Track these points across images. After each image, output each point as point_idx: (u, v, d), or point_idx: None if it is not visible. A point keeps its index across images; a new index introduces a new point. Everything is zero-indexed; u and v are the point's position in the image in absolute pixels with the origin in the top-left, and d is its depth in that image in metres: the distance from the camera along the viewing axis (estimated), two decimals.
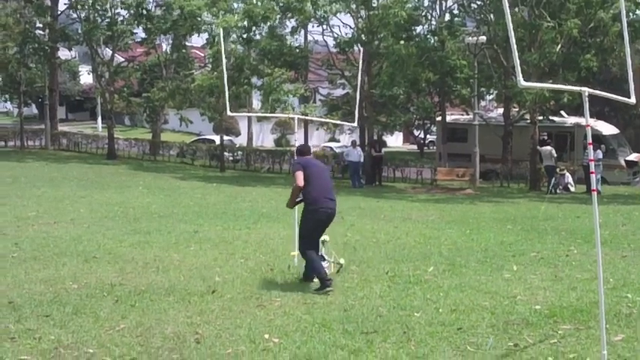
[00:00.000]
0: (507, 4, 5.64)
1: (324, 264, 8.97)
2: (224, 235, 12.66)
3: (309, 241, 8.72)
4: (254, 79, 33.78)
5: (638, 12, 27.31)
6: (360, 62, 15.29)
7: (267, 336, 6.41)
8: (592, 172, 6.13)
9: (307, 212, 8.76)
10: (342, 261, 9.43)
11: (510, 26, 5.52)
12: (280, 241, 11.81)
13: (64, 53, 45.77)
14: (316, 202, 8.68)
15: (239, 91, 32.52)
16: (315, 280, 8.52)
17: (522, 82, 5.52)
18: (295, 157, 9.35)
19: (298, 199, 8.90)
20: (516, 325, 6.82)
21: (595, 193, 6.02)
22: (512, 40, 5.65)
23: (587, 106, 5.82)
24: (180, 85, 36.00)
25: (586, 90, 5.80)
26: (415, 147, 53.30)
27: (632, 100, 6.30)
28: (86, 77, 60.83)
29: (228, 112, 12.34)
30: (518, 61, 5.47)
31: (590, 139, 6.04)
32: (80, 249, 10.91)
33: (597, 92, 6.18)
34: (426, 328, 6.72)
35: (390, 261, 10.34)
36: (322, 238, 9.28)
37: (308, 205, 8.74)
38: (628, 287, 8.49)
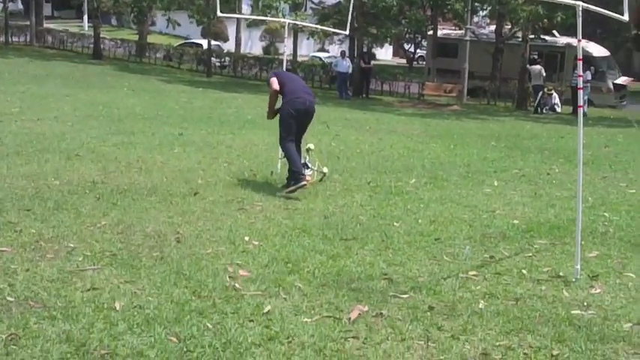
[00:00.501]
0: None
1: (308, 171, 9.00)
2: (208, 139, 12.63)
3: (287, 133, 8.73)
4: None
5: None
6: None
7: (247, 238, 6.46)
8: (579, 89, 6.09)
9: (284, 105, 8.76)
10: (325, 170, 9.45)
11: None
12: (264, 148, 11.80)
13: None
14: (292, 94, 8.70)
15: None
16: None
17: None
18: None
19: (277, 108, 8.96)
20: (493, 238, 6.91)
21: (581, 109, 6.01)
22: None
23: (579, 21, 5.75)
24: None
25: (580, 4, 5.71)
26: (404, 61, 52.90)
27: (625, 17, 6.21)
28: None
29: (219, 13, 12.01)
30: None
31: (580, 56, 5.99)
32: (63, 146, 10.84)
33: (591, 7, 6.09)
34: (405, 237, 6.80)
35: (373, 172, 10.38)
36: (307, 147, 9.28)
37: (284, 99, 8.76)
38: (606, 206, 8.60)
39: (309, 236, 6.66)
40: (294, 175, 8.49)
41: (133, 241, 6.21)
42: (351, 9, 12.67)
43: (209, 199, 7.96)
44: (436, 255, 6.27)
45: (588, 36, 35.17)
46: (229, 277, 5.39)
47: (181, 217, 7.10)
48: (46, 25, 44.38)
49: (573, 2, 5.79)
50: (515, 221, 7.62)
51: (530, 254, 6.40)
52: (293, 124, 8.76)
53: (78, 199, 7.56)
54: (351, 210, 7.85)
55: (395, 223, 7.30)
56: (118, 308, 4.65)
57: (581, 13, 5.72)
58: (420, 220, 7.50)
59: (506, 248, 6.58)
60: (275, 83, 8.79)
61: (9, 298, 4.72)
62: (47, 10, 52.67)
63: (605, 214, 8.15)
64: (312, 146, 9.36)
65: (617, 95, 31.29)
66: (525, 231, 7.23)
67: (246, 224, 7.01)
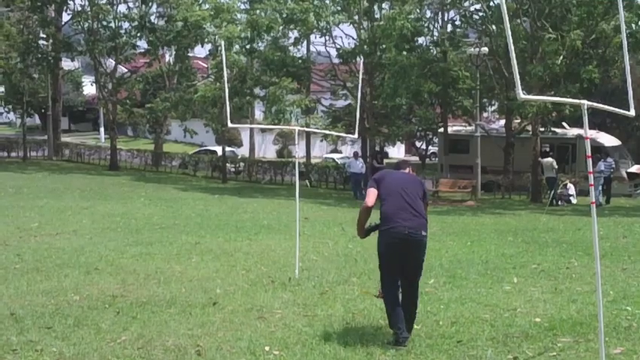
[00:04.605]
0: (507, 16, 5.67)
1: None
2: (225, 247, 12.68)
3: (385, 275, 6.96)
4: (257, 90, 33.88)
5: (639, 23, 27.30)
6: (361, 73, 15.31)
7: (267, 348, 6.42)
8: (591, 185, 6.14)
9: (379, 236, 6.95)
10: None
11: (510, 39, 5.54)
12: (282, 253, 11.83)
13: (67, 64, 45.90)
14: (387, 220, 6.81)
15: (242, 102, 32.60)
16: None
17: (522, 95, 5.55)
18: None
19: (372, 226, 7.08)
20: (516, 338, 6.83)
21: (594, 205, 6.03)
22: (512, 53, 5.69)
23: (586, 119, 5.85)
24: (184, 95, 36.04)
25: (585, 103, 5.83)
26: (417, 158, 53.36)
27: (632, 112, 6.32)
28: (89, 88, 60.83)
29: (229, 124, 12.30)
30: (517, 74, 5.49)
31: (589, 152, 6.06)
32: (82, 260, 10.93)
33: (596, 105, 6.22)
34: (426, 340, 6.74)
35: None
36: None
37: (380, 227, 6.95)
38: (628, 300, 8.50)
39: (329, 344, 6.61)
40: (394, 334, 6.73)
41: (153, 356, 6.19)
42: (358, 112, 12.97)
43: (228, 309, 7.95)
44: (459, 358, 6.20)
45: (598, 125, 35.59)
46: None
47: (201, 329, 7.08)
48: (64, 138, 45.37)
49: (578, 101, 5.91)
50: (537, 319, 7.53)
51: (555, 353, 6.32)
52: (391, 260, 6.87)
53: (98, 315, 7.59)
54: (371, 314, 7.80)
55: (416, 326, 7.22)
56: None
57: (587, 111, 5.83)
58: (440, 322, 7.44)
59: (529, 348, 6.50)
60: (371, 196, 6.93)
61: None
62: (64, 123, 53.89)
63: (627, 307, 8.05)
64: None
65: (631, 184, 31.28)
66: (548, 329, 7.14)
67: (266, 333, 6.98)
